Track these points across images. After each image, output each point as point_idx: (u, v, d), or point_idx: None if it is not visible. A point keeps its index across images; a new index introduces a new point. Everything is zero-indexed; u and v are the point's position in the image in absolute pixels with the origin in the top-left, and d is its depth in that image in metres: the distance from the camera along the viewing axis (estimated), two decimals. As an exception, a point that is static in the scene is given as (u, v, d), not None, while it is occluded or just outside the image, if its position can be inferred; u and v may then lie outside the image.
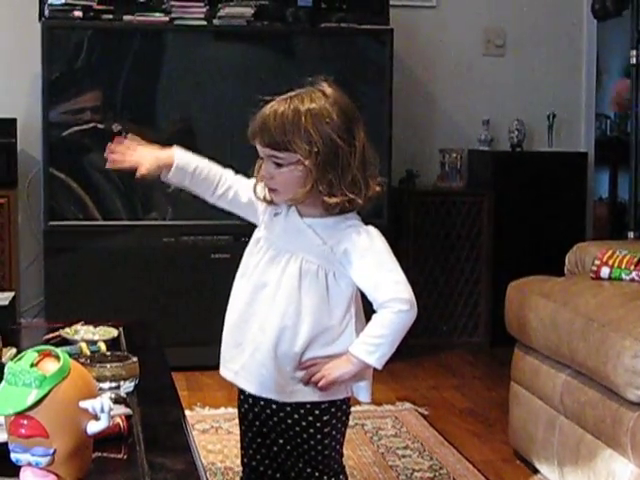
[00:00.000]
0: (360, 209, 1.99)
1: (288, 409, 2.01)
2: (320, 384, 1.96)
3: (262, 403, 2.03)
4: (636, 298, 2.67)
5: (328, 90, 1.96)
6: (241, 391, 2.09)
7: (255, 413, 2.06)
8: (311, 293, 1.96)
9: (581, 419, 2.69)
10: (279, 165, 1.93)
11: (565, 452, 2.79)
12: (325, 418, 2.02)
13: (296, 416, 2.01)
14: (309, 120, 1.90)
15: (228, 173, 2.10)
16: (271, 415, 2.03)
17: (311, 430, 2.01)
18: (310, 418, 2.01)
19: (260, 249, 2.03)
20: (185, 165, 2.05)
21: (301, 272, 1.96)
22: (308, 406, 2.00)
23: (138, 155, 2.04)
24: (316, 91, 1.96)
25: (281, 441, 2.05)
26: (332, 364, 1.97)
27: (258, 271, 2.00)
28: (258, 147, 1.97)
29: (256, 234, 2.07)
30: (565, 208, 4.99)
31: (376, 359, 1.95)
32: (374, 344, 1.94)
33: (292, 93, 1.97)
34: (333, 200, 1.93)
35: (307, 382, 1.98)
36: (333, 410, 2.03)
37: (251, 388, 2.00)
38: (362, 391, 2.05)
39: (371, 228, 1.99)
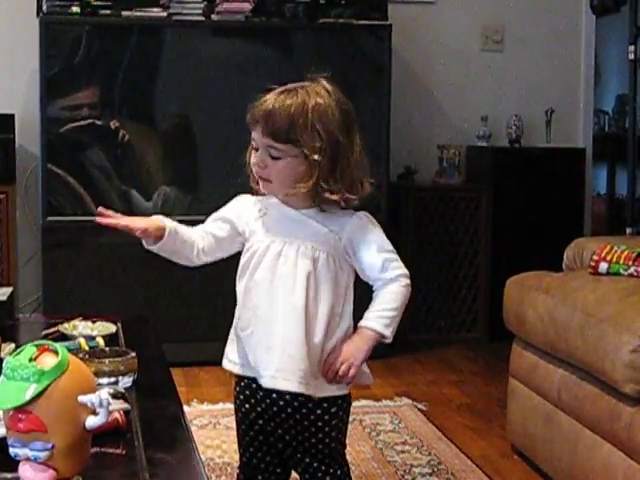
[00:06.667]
0: (354, 208, 2.00)
1: (311, 405, 1.99)
2: (351, 373, 1.97)
3: (281, 403, 1.99)
4: (634, 293, 2.67)
5: (329, 87, 1.96)
6: (247, 388, 2.05)
7: (258, 412, 2.03)
8: (325, 280, 1.96)
9: (579, 414, 2.69)
10: (275, 158, 1.92)
11: (563, 447, 2.79)
12: (333, 410, 2.02)
13: (304, 410, 2.00)
14: (316, 115, 1.90)
15: (195, 228, 2.05)
16: (279, 412, 2.00)
17: (319, 423, 2.01)
18: (319, 411, 2.00)
19: (255, 254, 1.99)
20: (174, 227, 2.00)
21: (314, 260, 1.95)
22: (330, 399, 2.01)
23: (129, 219, 2.02)
24: (319, 86, 1.96)
25: (287, 437, 2.03)
26: (348, 350, 1.97)
27: (265, 273, 1.97)
28: (256, 135, 1.94)
29: (242, 260, 2.03)
30: (563, 204, 4.99)
31: (391, 332, 2.00)
32: (389, 317, 1.99)
33: (294, 85, 1.96)
34: (333, 197, 1.93)
35: (333, 379, 1.97)
36: (339, 401, 2.03)
37: (292, 386, 1.94)
38: (364, 375, 2.06)
39: (365, 213, 2.02)
